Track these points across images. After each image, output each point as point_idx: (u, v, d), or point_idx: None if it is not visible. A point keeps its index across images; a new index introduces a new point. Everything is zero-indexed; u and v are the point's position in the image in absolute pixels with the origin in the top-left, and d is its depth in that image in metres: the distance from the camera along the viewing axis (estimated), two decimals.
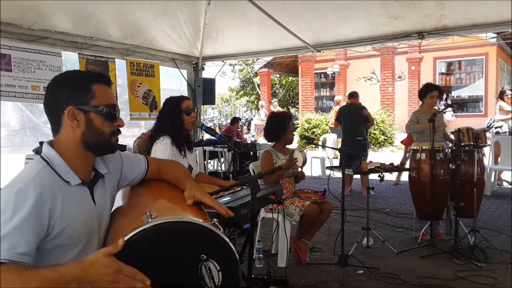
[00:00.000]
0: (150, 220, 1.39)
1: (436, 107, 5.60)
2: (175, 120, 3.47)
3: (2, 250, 1.32)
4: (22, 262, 1.34)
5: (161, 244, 1.40)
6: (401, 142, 8.91)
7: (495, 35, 12.42)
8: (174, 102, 3.54)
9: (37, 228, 1.40)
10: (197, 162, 7.61)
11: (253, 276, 3.32)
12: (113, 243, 1.37)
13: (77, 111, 1.55)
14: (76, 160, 1.58)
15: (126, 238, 1.36)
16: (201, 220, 1.47)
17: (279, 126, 4.55)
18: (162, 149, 3.38)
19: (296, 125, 17.33)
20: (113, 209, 1.79)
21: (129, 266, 1.34)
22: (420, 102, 5.43)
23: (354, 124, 7.94)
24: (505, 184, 8.45)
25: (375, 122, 14.49)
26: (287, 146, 4.66)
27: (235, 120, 12.81)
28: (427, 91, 5.19)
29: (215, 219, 1.54)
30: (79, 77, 1.60)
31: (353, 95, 8.29)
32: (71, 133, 1.57)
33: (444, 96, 14.41)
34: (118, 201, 1.86)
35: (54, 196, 1.47)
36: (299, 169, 4.48)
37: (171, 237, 1.41)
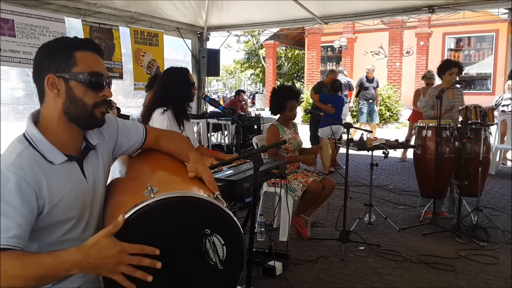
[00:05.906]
0: (152, 195, 1.34)
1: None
2: (185, 91, 3.42)
3: None
4: (15, 247, 1.27)
5: (164, 220, 1.36)
6: (408, 119, 8.77)
7: (507, 10, 12.11)
8: (182, 73, 3.47)
9: (25, 211, 1.33)
10: (200, 133, 7.47)
11: (254, 249, 3.32)
12: (113, 220, 1.30)
13: (57, 79, 1.46)
14: (60, 134, 1.50)
15: (127, 215, 1.30)
16: (205, 195, 1.43)
17: (280, 100, 4.41)
18: (160, 119, 3.31)
19: (301, 99, 17.15)
20: (110, 181, 1.73)
21: (133, 243, 1.27)
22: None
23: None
24: (509, 163, 8.38)
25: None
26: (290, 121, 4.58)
27: (239, 92, 12.65)
28: (447, 68, 5.03)
29: (218, 193, 1.51)
30: (62, 43, 1.50)
31: (328, 73, 8.36)
32: (53, 103, 1.49)
33: None
34: (115, 173, 1.80)
35: (37, 178, 1.39)
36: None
37: (174, 212, 1.37)
